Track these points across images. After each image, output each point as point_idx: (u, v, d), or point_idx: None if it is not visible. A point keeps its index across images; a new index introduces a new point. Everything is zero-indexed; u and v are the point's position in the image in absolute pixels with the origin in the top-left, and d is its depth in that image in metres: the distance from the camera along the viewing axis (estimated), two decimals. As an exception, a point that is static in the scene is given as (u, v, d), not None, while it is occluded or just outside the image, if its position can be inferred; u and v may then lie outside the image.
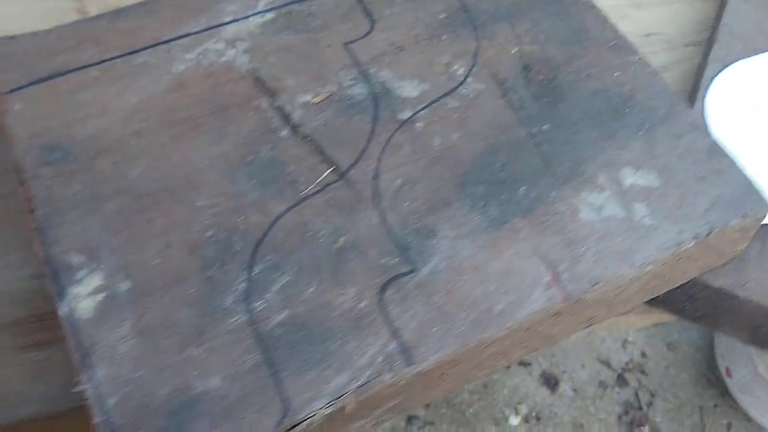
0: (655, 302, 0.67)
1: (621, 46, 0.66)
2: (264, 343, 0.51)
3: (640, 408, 1.41)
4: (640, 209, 0.58)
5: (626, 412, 1.41)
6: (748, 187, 0.59)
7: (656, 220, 0.57)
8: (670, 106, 0.63)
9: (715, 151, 0.60)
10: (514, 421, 1.41)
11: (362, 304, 0.53)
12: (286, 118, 0.61)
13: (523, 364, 1.46)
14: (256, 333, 0.52)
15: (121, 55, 0.64)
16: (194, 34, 0.65)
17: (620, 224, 0.57)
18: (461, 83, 0.64)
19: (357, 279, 0.54)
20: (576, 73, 0.65)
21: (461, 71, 0.64)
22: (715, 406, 1.42)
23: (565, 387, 1.44)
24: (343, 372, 0.51)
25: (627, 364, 1.46)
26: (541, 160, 0.60)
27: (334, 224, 0.56)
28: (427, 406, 1.40)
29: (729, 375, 1.36)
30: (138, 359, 0.50)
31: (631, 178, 0.59)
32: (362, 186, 0.58)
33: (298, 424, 0.49)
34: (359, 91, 0.63)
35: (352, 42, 0.66)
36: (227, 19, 0.66)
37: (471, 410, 1.41)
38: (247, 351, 0.51)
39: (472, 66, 0.65)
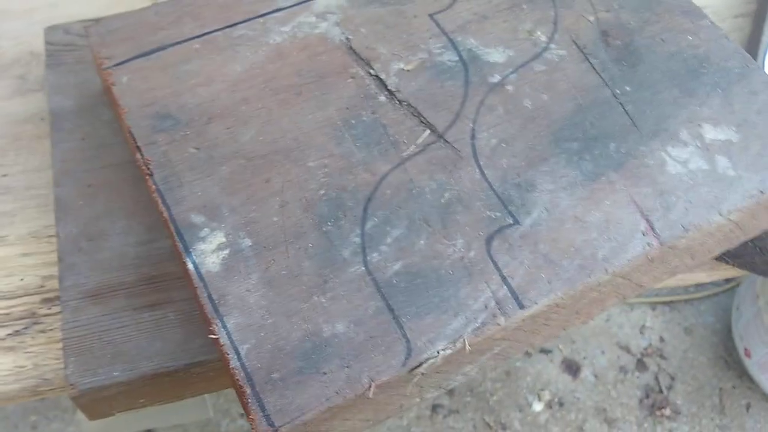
0: (725, 257, 0.70)
1: (691, 11, 0.70)
2: (383, 290, 0.54)
3: (661, 391, 1.45)
4: (722, 161, 0.61)
5: (647, 396, 1.44)
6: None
7: (739, 170, 0.61)
8: (744, 65, 0.66)
9: (791, 106, 0.64)
10: (538, 407, 1.44)
11: (471, 254, 0.56)
12: (382, 84, 0.64)
13: (545, 351, 1.49)
14: (375, 282, 0.55)
15: (221, 29, 0.67)
16: (287, 8, 0.68)
17: (706, 175, 0.60)
18: (544, 49, 0.67)
19: (464, 231, 0.57)
20: (651, 37, 0.68)
21: (543, 38, 0.68)
22: (734, 387, 1.45)
23: (586, 373, 1.47)
24: (460, 315, 0.54)
25: (646, 349, 1.50)
26: (627, 117, 0.63)
27: (438, 181, 0.59)
28: (452, 394, 1.43)
29: (748, 356, 1.39)
30: (268, 307, 0.53)
31: (712, 132, 0.63)
32: (461, 145, 0.61)
33: (421, 364, 0.52)
34: (449, 57, 0.66)
35: (437, 13, 0.69)
36: (316, -6, 0.70)
37: (495, 398, 1.44)
38: (368, 298, 0.54)
39: (553, 32, 0.68)
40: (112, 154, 0.68)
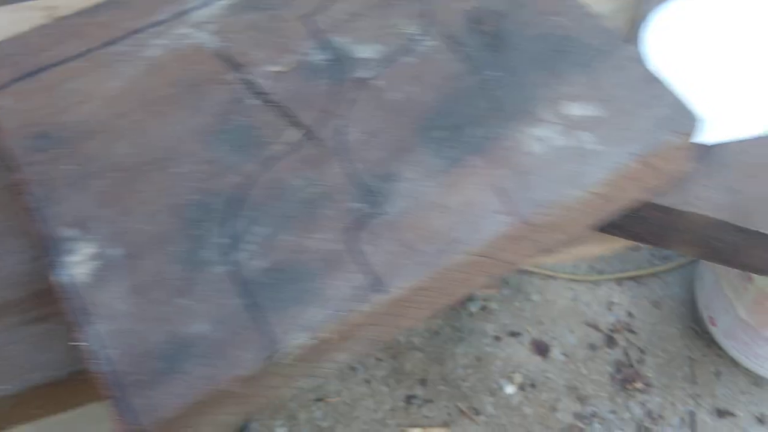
0: (610, 228, 0.71)
1: (560, -7, 0.71)
2: (247, 288, 0.56)
3: (631, 365, 1.46)
4: (586, 137, 0.62)
5: (618, 371, 1.46)
6: (681, 107, 0.63)
7: (601, 145, 0.62)
8: (609, 42, 0.67)
9: (652, 78, 0.65)
10: (510, 389, 1.46)
11: (336, 246, 0.58)
12: (253, 87, 0.66)
13: (513, 334, 1.50)
14: (239, 280, 0.57)
15: (101, 46, 0.69)
16: (165, 21, 0.71)
17: (567, 152, 0.62)
18: (416, 41, 0.69)
19: (329, 224, 0.59)
20: (521, 22, 0.69)
21: (416, 31, 0.69)
22: (704, 356, 1.46)
23: (555, 353, 1.49)
24: (321, 306, 0.56)
25: (614, 324, 1.51)
26: (493, 103, 0.64)
27: (305, 178, 0.61)
28: (425, 384, 1.44)
29: (713, 324, 1.40)
30: (134, 313, 0.56)
31: (577, 110, 0.64)
32: (329, 142, 0.63)
33: (282, 356, 0.54)
34: (321, 57, 0.68)
35: (312, 14, 0.71)
36: (194, 5, 0.71)
37: (467, 384, 1.46)
38: (231, 296, 0.56)
39: (425, 25, 0.70)
40: (5, 177, 0.70)
